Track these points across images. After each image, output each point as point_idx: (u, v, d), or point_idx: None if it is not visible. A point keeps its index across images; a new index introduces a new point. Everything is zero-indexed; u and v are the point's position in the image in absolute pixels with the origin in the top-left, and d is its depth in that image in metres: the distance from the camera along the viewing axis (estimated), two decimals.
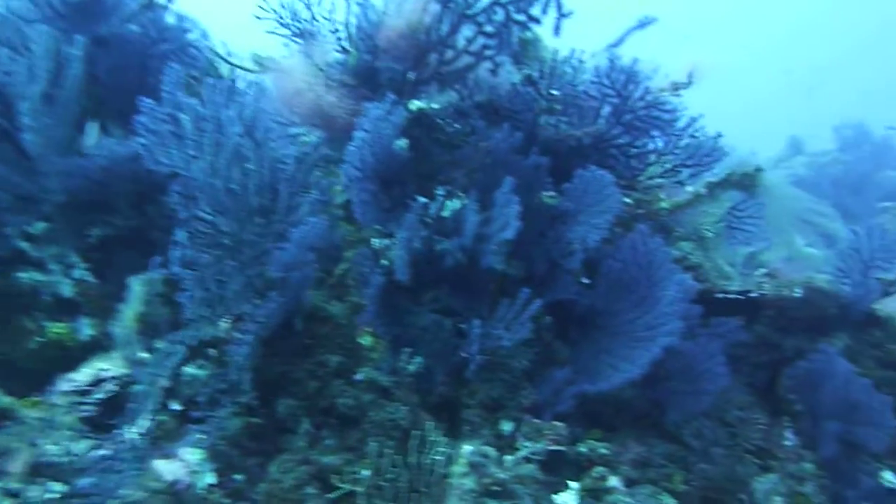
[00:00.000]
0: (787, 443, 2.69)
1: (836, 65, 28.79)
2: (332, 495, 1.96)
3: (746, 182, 2.53)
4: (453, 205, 2.24)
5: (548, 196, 2.51)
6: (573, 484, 2.17)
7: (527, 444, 2.15)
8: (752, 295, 2.88)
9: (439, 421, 2.23)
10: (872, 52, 28.65)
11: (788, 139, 10.03)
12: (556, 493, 2.13)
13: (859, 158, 9.33)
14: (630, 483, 2.36)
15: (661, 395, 2.61)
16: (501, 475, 2.02)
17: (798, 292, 2.81)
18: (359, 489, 1.94)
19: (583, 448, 2.28)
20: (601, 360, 2.57)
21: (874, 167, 9.43)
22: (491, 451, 2.10)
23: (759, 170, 2.53)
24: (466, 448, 2.08)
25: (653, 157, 2.86)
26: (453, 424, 2.27)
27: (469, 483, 1.99)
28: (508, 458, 2.09)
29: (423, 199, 2.21)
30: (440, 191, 2.23)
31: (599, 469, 2.22)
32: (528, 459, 2.10)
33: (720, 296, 2.88)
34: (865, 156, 9.47)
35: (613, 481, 2.24)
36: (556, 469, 2.24)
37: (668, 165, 2.89)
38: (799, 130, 10.44)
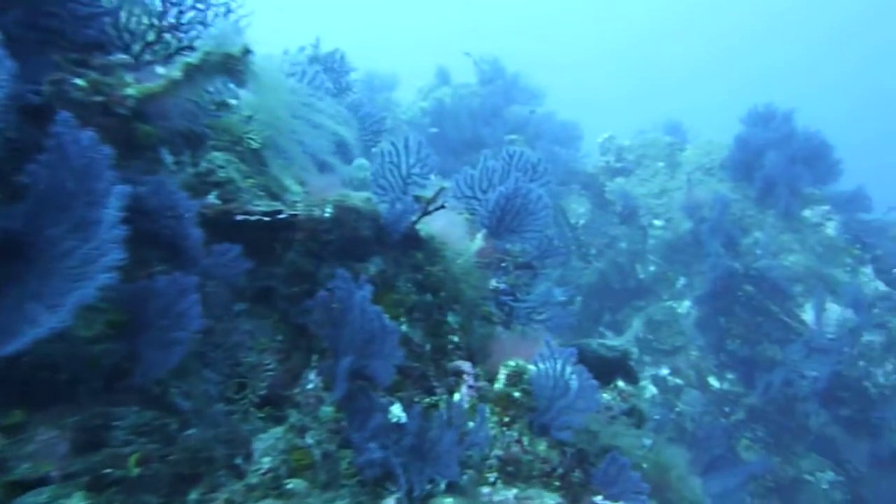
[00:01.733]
0: (309, 386, 2.35)
1: None
2: None
3: (231, 65, 1.92)
4: None
5: None
6: None
7: None
8: (283, 216, 2.39)
9: None
10: None
11: (437, 69, 10.50)
12: None
13: (492, 92, 10.30)
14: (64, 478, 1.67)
15: (137, 348, 1.95)
16: None
17: (329, 212, 2.41)
18: None
19: None
20: (28, 308, 1.75)
21: (504, 101, 10.57)
22: None
23: (246, 52, 1.94)
24: None
25: (142, 24, 2.04)
26: None
27: None
28: None
29: None
30: None
31: None
32: None
33: (241, 218, 2.32)
34: (498, 90, 10.52)
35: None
36: None
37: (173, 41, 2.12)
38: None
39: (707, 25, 43.93)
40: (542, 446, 2.51)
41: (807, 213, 7.64)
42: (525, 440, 2.50)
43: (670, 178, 8.98)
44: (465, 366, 2.60)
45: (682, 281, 8.35)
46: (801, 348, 6.92)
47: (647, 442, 3.20)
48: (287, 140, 2.28)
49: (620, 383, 3.37)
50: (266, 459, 1.96)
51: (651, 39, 44.38)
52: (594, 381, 2.50)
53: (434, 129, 9.28)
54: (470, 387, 2.57)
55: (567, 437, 2.45)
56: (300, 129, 2.29)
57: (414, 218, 2.69)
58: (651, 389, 7.94)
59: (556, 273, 8.77)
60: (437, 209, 2.70)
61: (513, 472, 2.43)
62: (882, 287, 7.02)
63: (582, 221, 9.54)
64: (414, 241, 2.75)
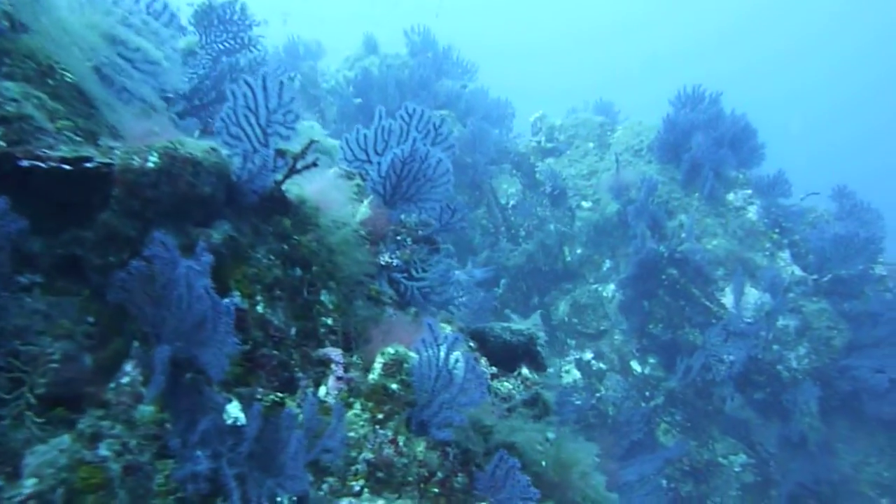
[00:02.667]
0: (124, 380, 1.87)
1: None
2: None
3: None
4: None
5: None
6: None
7: None
8: (90, 165, 1.88)
9: None
10: None
11: (364, 37, 9.90)
12: None
13: (422, 64, 9.80)
14: None
15: None
16: None
17: (154, 162, 1.91)
18: None
19: None
20: None
21: (435, 75, 10.10)
22: None
23: None
24: None
25: None
26: None
27: None
28: None
29: None
30: None
31: None
32: None
33: (28, 164, 1.80)
34: (429, 63, 10.03)
35: None
36: None
37: None
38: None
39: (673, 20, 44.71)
40: (420, 447, 2.14)
41: (730, 196, 7.64)
42: (401, 440, 2.12)
43: (600, 160, 8.82)
44: (334, 353, 2.18)
45: (608, 264, 8.24)
46: (719, 332, 6.92)
47: (551, 436, 2.91)
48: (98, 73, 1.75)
49: (525, 370, 3.05)
50: (31, 482, 1.47)
51: (616, 32, 44.92)
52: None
53: (358, 100, 8.72)
54: (339, 378, 2.16)
55: (446, 437, 2.09)
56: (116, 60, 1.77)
57: (279, 177, 2.23)
58: (574, 374, 7.81)
59: (482, 254, 8.49)
60: (307, 167, 2.25)
61: (384, 478, 2.05)
62: (798, 272, 7.11)
63: (512, 202, 9.28)
64: (280, 205, 2.29)
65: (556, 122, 9.57)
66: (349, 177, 2.90)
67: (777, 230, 7.28)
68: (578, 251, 8.58)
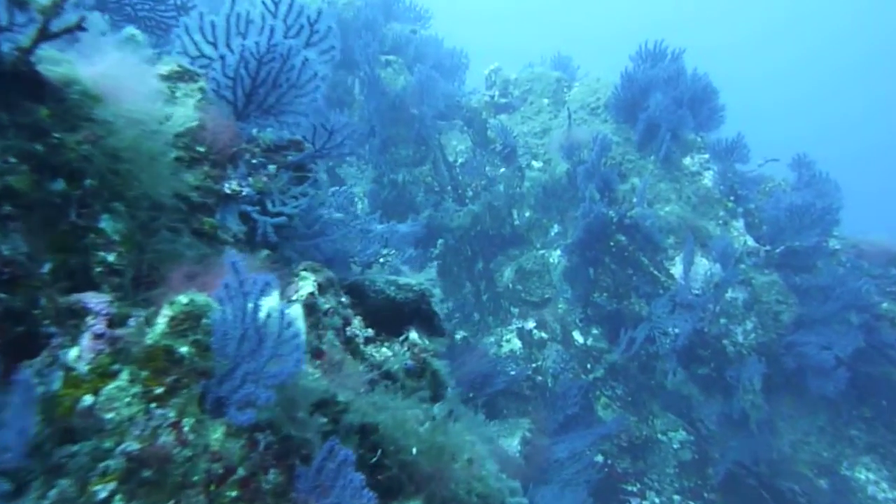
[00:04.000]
0: None
1: None
2: None
3: None
4: None
5: None
6: None
7: None
8: None
9: None
10: None
11: None
12: None
13: (370, 4, 8.94)
14: None
15: None
16: None
17: None
18: None
19: None
20: None
21: (384, 17, 9.26)
22: None
23: None
24: None
25: None
26: None
27: None
28: None
29: None
30: None
31: None
32: None
33: None
34: (377, 3, 9.17)
35: None
36: None
37: None
38: None
39: None
40: (216, 433, 1.53)
41: (687, 160, 7.16)
42: (187, 424, 1.50)
43: (554, 117, 8.22)
44: (93, 301, 1.53)
45: (556, 228, 7.73)
46: (666, 304, 6.51)
47: (438, 413, 2.34)
48: None
49: (413, 335, 2.46)
50: None
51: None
52: (298, 329, 1.52)
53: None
54: (98, 336, 1.51)
55: (248, 420, 1.48)
56: None
57: (25, 41, 1.53)
58: (515, 343, 7.34)
59: (424, 214, 7.85)
60: (68, 31, 1.55)
61: (151, 478, 1.43)
62: (751, 242, 6.72)
63: (461, 160, 8.63)
64: (29, 86, 1.59)
65: (512, 75, 8.90)
66: (188, 77, 2.21)
67: (732, 198, 6.85)
68: (527, 214, 8.03)
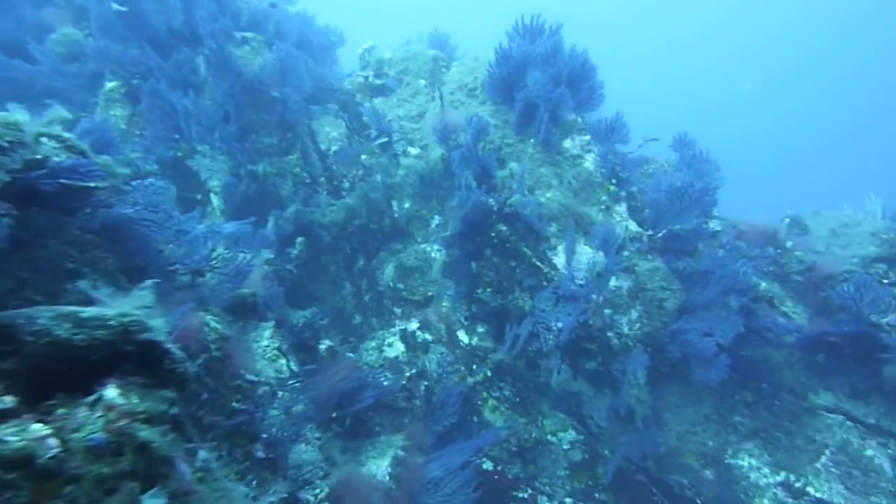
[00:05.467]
0: None
1: None
2: None
3: None
4: None
5: None
6: None
7: None
8: None
9: None
10: None
11: None
12: None
13: None
14: None
15: None
16: None
17: None
18: None
19: None
20: None
21: None
22: None
23: None
24: None
25: None
26: None
27: None
28: None
29: None
30: None
31: None
32: None
33: None
34: None
35: None
36: None
37: None
38: None
39: None
40: None
41: (567, 143, 6.76)
42: None
43: (432, 99, 7.60)
44: None
45: (436, 220, 7.13)
46: (549, 296, 6.08)
47: None
48: None
49: (111, 392, 1.70)
50: None
51: None
52: None
53: (123, 8, 6.70)
54: None
55: None
56: None
57: None
58: (399, 347, 6.70)
59: (290, 209, 7.01)
60: None
61: None
62: (634, 227, 6.42)
63: (335, 147, 7.84)
64: None
65: (386, 55, 8.18)
66: None
67: (614, 181, 6.52)
68: (406, 205, 7.38)
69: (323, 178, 7.76)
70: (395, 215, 7.50)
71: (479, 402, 6.47)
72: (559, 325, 5.85)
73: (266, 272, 5.36)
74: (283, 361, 4.97)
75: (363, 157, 7.69)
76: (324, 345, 5.37)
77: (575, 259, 6.19)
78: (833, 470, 5.73)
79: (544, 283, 6.24)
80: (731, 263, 5.66)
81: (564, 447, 6.30)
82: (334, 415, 4.85)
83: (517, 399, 6.53)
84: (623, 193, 6.54)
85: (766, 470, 5.79)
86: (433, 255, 7.05)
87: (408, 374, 5.81)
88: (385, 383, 5.45)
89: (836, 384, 6.21)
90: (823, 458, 5.80)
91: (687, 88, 45.92)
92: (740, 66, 46.77)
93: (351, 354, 5.97)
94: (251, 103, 7.34)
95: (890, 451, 5.79)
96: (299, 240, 6.14)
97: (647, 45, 45.93)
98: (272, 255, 5.60)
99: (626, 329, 6.01)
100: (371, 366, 6.07)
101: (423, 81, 7.76)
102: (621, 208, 6.51)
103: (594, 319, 6.01)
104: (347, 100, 8.32)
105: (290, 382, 4.75)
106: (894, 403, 5.98)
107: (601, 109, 6.86)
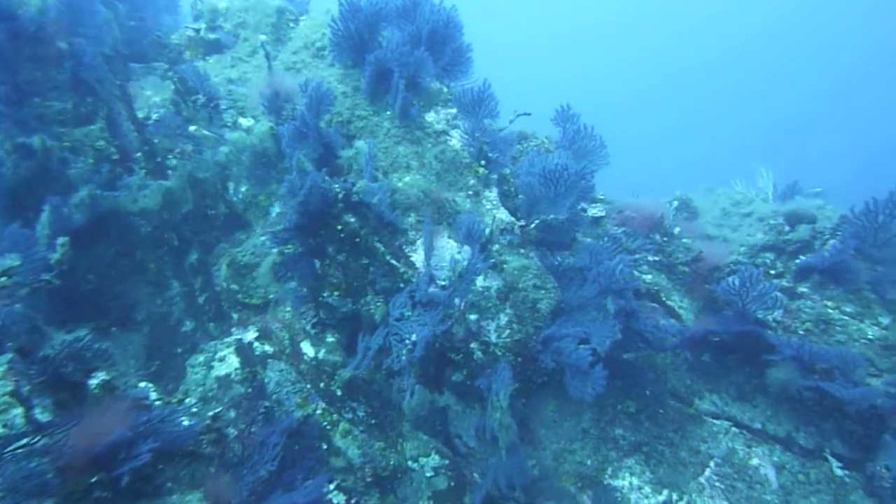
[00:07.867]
0: None
1: None
2: None
3: None
4: None
5: None
6: None
7: None
8: None
9: None
10: None
11: None
12: None
13: None
14: None
15: None
16: None
17: None
18: None
19: None
20: None
21: None
22: None
23: None
24: None
25: None
26: None
27: None
28: None
29: None
30: None
31: None
32: None
33: None
34: None
35: None
36: None
37: None
38: None
39: None
40: None
41: (430, 116, 5.69)
42: None
43: (274, 59, 6.25)
44: None
45: (277, 207, 5.90)
46: (405, 301, 5.07)
47: None
48: None
49: None
50: None
51: None
52: None
53: None
54: None
55: None
56: None
57: None
58: (232, 362, 5.49)
59: (81, 193, 5.51)
60: None
61: None
62: (505, 216, 5.50)
63: (156, 116, 6.35)
64: None
65: (222, 3, 6.70)
66: None
67: (483, 162, 5.54)
68: (243, 189, 6.08)
69: (140, 154, 6.27)
70: (232, 200, 6.19)
71: (328, 427, 5.41)
72: (413, 337, 4.86)
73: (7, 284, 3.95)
74: (19, 411, 3.65)
75: (192, 128, 6.27)
76: (96, 379, 4.07)
77: (437, 256, 5.20)
78: (717, 484, 5.18)
79: (401, 285, 5.22)
80: (609, 260, 4.87)
81: (427, 474, 5.39)
82: (93, 479, 3.61)
83: (373, 421, 5.53)
84: (494, 177, 5.58)
85: (647, 489, 5.15)
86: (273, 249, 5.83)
87: (211, 413, 4.62)
88: (185, 423, 4.25)
89: (723, 386, 5.68)
90: (707, 472, 5.24)
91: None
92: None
93: (142, 384, 4.69)
94: (30, 57, 5.70)
95: (775, 458, 5.33)
96: (61, 240, 4.67)
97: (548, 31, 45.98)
98: (18, 263, 4.16)
99: (493, 337, 5.11)
100: (181, 397, 4.83)
101: (264, 37, 6.39)
102: (492, 194, 5.56)
103: (457, 327, 5.07)
104: (177, 58, 6.80)
105: (23, 442, 3.46)
106: (780, 406, 5.51)
107: (471, 78, 5.83)
